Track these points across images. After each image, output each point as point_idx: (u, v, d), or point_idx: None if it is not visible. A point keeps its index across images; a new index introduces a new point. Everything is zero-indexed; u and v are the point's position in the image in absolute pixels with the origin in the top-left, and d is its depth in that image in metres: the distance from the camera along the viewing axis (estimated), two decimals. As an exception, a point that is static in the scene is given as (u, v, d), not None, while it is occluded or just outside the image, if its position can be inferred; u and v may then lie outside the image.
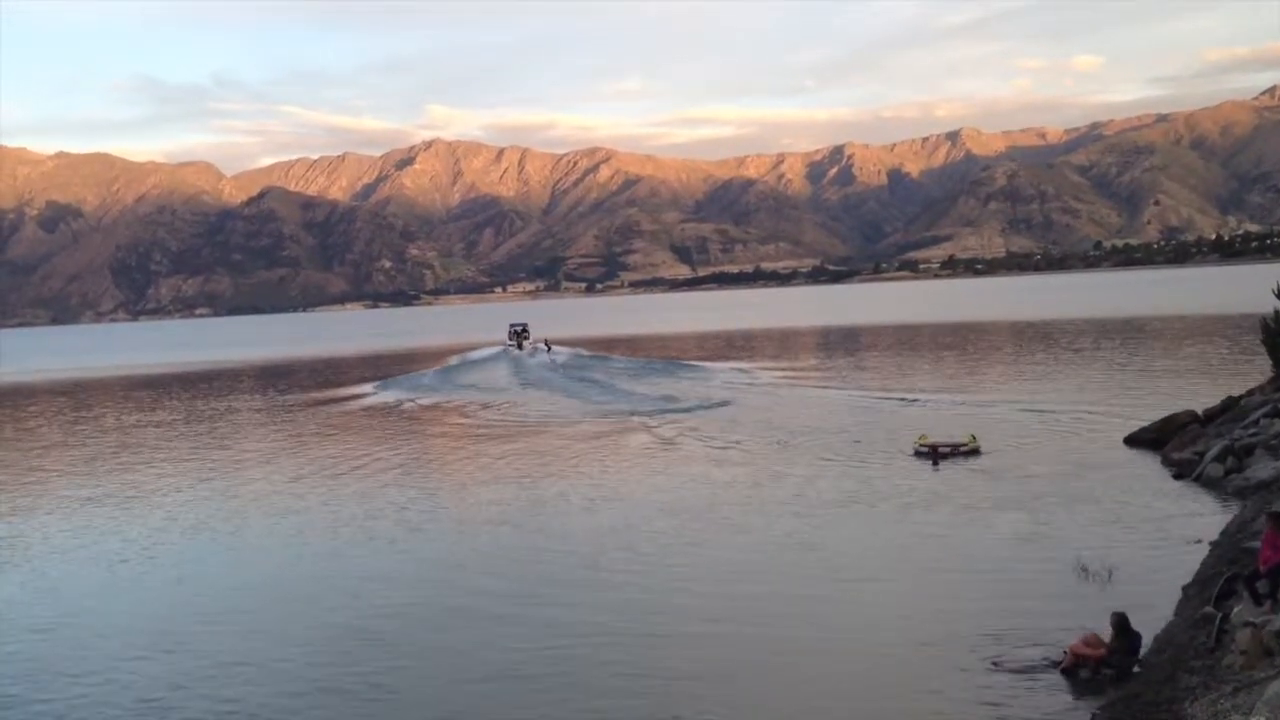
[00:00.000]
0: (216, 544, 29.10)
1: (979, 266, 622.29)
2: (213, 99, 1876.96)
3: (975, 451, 35.14)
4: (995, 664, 16.85)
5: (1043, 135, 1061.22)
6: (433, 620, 21.10)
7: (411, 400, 66.84)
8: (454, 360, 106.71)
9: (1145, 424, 36.56)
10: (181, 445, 51.13)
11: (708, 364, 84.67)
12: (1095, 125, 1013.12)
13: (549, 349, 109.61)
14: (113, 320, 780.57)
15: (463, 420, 55.05)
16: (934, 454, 34.93)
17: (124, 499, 36.51)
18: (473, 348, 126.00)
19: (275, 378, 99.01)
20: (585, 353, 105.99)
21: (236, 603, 23.24)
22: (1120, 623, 16.28)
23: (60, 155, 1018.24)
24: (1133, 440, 35.62)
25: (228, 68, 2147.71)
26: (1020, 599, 19.88)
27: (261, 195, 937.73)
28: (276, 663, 19.02)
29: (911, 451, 36.01)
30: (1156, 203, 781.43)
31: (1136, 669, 15.94)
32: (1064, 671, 16.30)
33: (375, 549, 27.34)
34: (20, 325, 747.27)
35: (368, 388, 78.20)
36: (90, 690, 18.08)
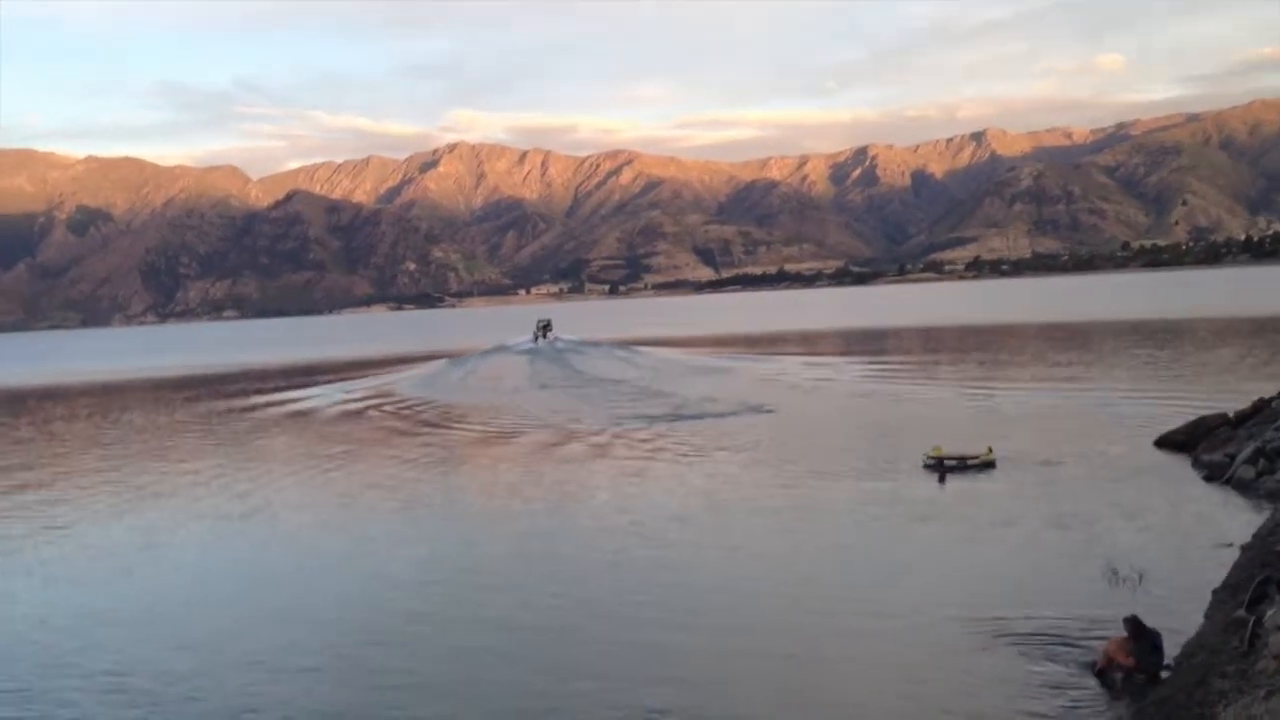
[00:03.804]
0: (241, 545, 29.37)
1: (1005, 268, 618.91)
2: (238, 103, 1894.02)
3: (990, 464, 33.15)
4: (1025, 666, 16.79)
5: (1069, 135, 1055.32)
6: (444, 625, 21.22)
7: (438, 400, 67.07)
8: (488, 346, 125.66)
9: (1175, 426, 36.25)
10: (207, 445, 51.52)
11: (735, 365, 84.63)
12: (1122, 125, 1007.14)
13: (539, 338, 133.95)
14: (141, 323, 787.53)
15: (483, 425, 55.07)
16: (940, 468, 33.04)
17: (149, 498, 36.84)
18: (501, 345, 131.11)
19: (301, 377, 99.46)
20: (617, 351, 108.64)
21: (252, 603, 23.47)
22: (1134, 626, 16.22)
23: (90, 159, 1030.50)
24: (1162, 443, 35.31)
25: (252, 73, 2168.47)
26: (1051, 603, 19.73)
27: (287, 198, 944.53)
28: (291, 659, 19.21)
29: (922, 464, 34.20)
30: (1184, 203, 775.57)
31: (1166, 673, 15.85)
32: (1097, 673, 16.24)
33: (398, 551, 27.48)
34: (51, 328, 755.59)
35: (395, 386, 78.59)
36: (108, 683, 18.33)
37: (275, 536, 30.27)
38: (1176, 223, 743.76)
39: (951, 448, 34.74)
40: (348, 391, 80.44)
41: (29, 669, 19.63)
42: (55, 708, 17.63)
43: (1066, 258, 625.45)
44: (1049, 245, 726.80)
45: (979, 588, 21.20)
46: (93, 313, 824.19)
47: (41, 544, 30.42)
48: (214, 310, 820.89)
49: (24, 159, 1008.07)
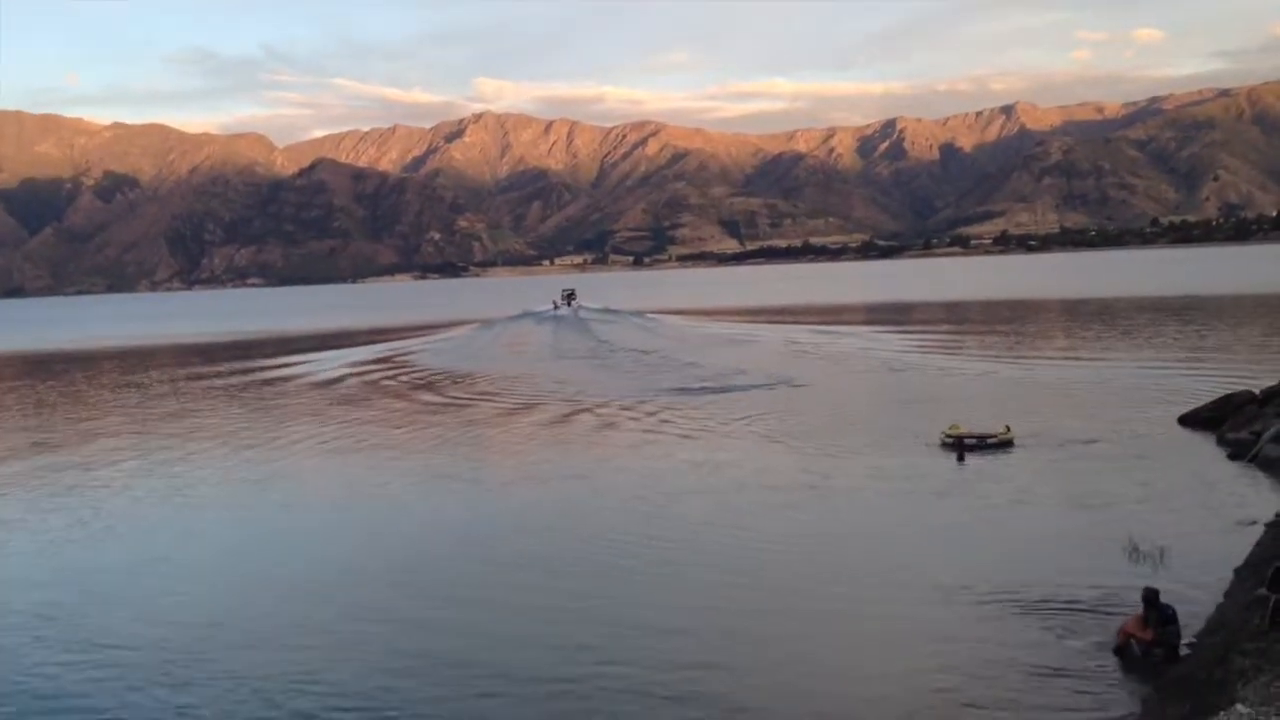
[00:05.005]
0: (260, 512, 29.66)
1: (1032, 243, 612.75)
2: (265, 71, 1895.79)
3: (1008, 443, 32.63)
4: (1044, 642, 16.76)
5: (1100, 109, 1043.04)
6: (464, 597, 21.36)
7: (462, 368, 67.19)
8: (513, 313, 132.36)
9: (1201, 403, 35.97)
10: (232, 412, 51.89)
11: (758, 337, 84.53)
12: (1155, 99, 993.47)
13: (561, 306, 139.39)
14: (168, 289, 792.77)
15: (506, 394, 55.15)
16: (959, 446, 32.23)
17: (173, 464, 37.21)
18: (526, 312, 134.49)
19: (326, 344, 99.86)
20: (641, 320, 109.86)
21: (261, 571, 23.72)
22: (1149, 595, 16.16)
23: (117, 125, 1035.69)
24: (1187, 420, 35.04)
25: (279, 39, 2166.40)
26: (1070, 580, 19.65)
27: (313, 166, 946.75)
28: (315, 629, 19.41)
29: (939, 442, 33.58)
30: (1216, 178, 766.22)
31: (1186, 650, 15.80)
32: (1115, 651, 16.21)
33: (411, 520, 27.71)
34: (78, 293, 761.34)
35: (420, 352, 78.86)
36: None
37: (296, 504, 30.53)
38: (1207, 198, 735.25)
39: (971, 425, 34.35)
40: (372, 358, 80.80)
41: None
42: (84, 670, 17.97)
43: (1095, 233, 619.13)
44: (1077, 220, 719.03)
45: (998, 564, 21.13)
46: (119, 278, 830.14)
47: (67, 508, 30.76)
48: (239, 277, 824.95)
49: (51, 124, 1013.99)
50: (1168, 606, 16.15)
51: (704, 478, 30.68)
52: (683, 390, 50.86)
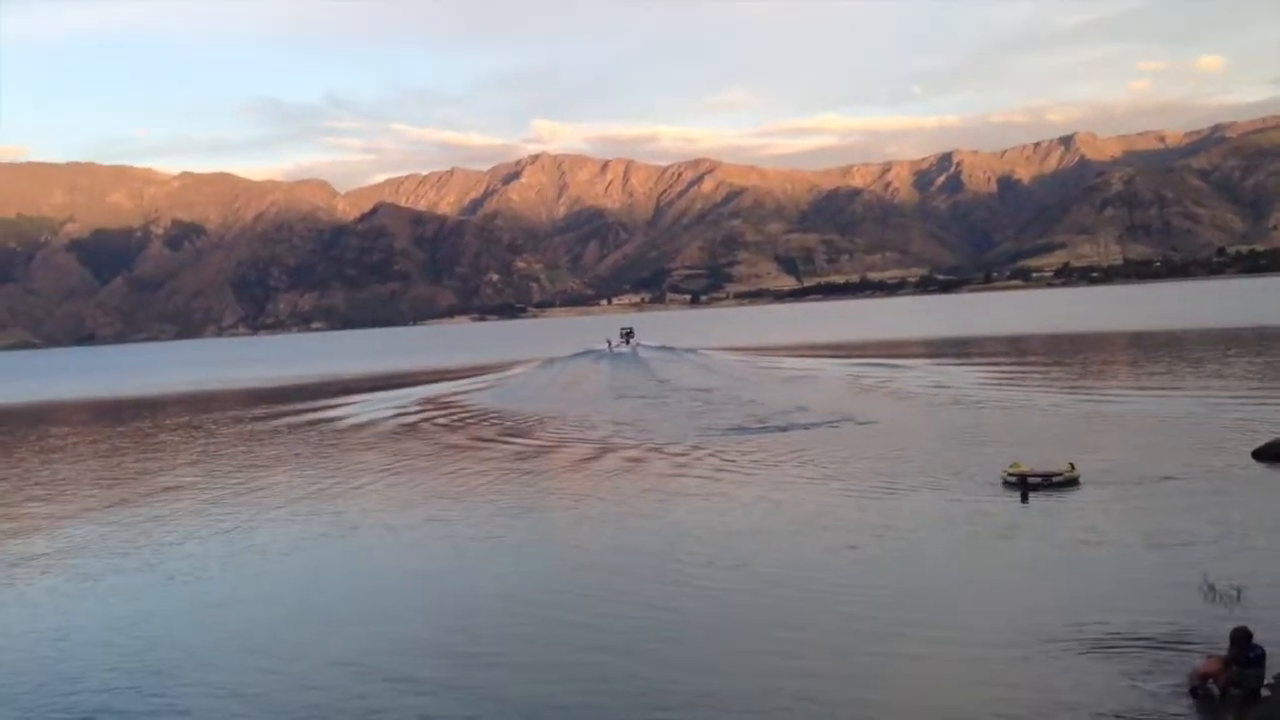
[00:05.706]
0: (324, 557, 29.99)
1: (1095, 275, 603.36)
2: (328, 118, 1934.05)
3: (1074, 481, 31.84)
4: (1115, 684, 16.40)
5: (1162, 139, 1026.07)
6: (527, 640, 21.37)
7: (521, 409, 67.59)
8: (572, 352, 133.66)
9: (1276, 437, 35.09)
10: (298, 458, 52.64)
11: (818, 373, 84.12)
12: (1218, 128, 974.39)
13: (619, 344, 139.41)
14: (234, 334, 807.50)
15: (565, 435, 55.34)
16: (1023, 485, 31.54)
17: (239, 511, 37.80)
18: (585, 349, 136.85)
19: (387, 387, 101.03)
20: (700, 358, 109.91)
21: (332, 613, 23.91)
22: (1240, 636, 15.71)
23: (185, 175, 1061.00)
24: (1263, 454, 34.14)
25: (342, 87, 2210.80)
26: (1142, 621, 19.22)
27: (374, 211, 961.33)
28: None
29: (1002, 481, 32.84)
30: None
31: (1266, 690, 15.39)
32: (1191, 693, 15.81)
33: (481, 567, 27.83)
34: (147, 339, 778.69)
35: (480, 393, 79.50)
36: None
37: (362, 546, 30.83)
38: (1275, 227, 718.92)
39: (1035, 463, 33.67)
40: (432, 399, 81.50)
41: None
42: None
43: (1159, 264, 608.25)
44: (1141, 251, 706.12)
45: (1064, 606, 20.69)
46: (187, 325, 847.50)
47: (130, 554, 31.34)
48: (302, 322, 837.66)
49: (123, 175, 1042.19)
50: (1258, 647, 15.71)
51: (762, 519, 30.46)
52: (742, 429, 50.64)
